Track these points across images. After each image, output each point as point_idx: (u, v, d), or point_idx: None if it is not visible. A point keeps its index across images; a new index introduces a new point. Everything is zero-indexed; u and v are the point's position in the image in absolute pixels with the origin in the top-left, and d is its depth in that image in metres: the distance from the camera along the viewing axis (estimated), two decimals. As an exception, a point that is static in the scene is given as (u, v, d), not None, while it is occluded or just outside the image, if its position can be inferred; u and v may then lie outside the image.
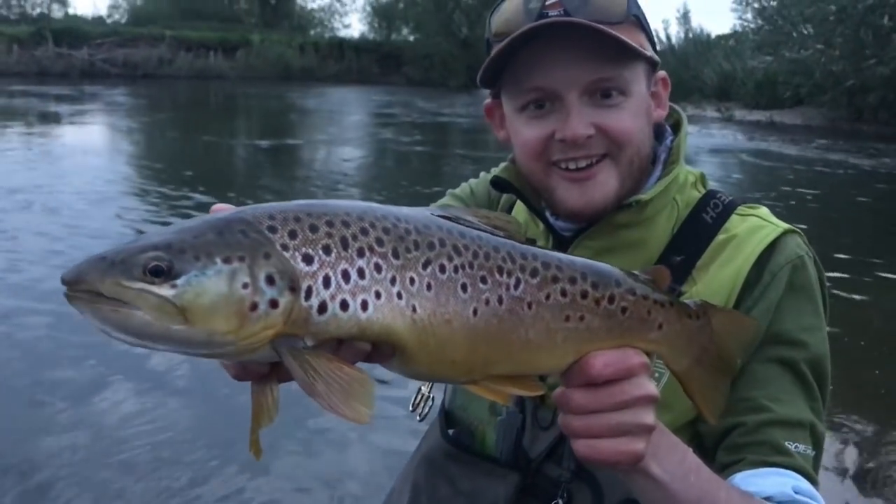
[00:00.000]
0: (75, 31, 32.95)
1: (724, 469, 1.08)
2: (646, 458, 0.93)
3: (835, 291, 6.82)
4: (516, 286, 0.82)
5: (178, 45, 34.20)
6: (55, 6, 55.17)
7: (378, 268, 0.75)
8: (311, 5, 53.80)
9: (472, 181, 1.49)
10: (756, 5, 31.71)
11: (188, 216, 8.54)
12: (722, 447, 1.11)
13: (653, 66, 1.20)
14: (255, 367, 0.79)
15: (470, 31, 43.65)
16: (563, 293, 0.85)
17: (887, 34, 23.15)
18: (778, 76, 27.92)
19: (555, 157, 1.15)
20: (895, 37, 22.63)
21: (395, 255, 0.76)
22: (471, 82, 39.84)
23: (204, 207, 9.07)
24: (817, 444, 1.10)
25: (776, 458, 1.06)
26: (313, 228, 0.73)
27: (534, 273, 0.84)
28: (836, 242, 8.91)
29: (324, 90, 31.11)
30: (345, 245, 0.74)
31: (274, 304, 0.71)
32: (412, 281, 0.76)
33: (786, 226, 1.19)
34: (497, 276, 0.81)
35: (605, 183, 1.15)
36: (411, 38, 44.85)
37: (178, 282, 0.69)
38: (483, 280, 0.80)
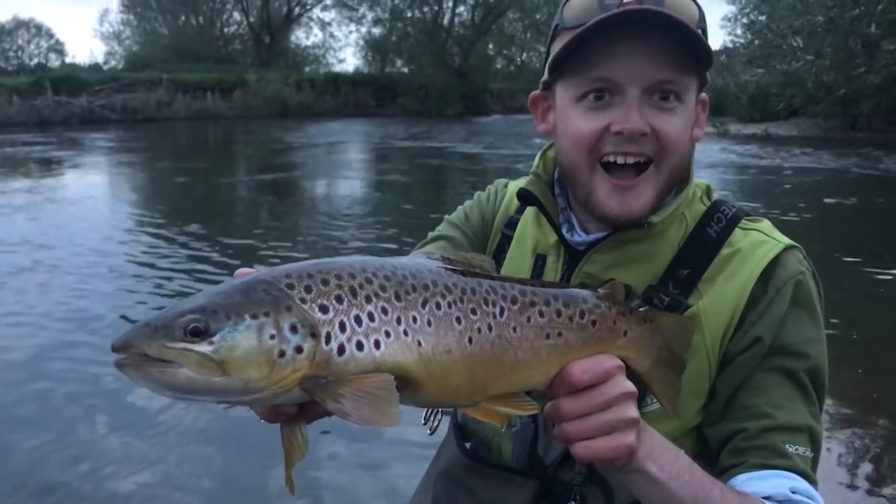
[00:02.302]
0: (73, 80, 33.21)
1: (727, 471, 1.14)
2: (643, 458, 1.01)
3: (839, 295, 6.87)
4: (501, 314, 0.93)
5: (176, 87, 34.46)
6: (52, 55, 55.92)
7: (385, 311, 0.85)
8: (305, 43, 54.29)
9: (467, 203, 1.53)
10: (745, 20, 32.06)
11: (195, 257, 8.64)
12: (725, 451, 1.16)
13: (702, 83, 1.21)
14: (286, 409, 0.87)
15: (463, 61, 44.10)
16: (541, 314, 0.97)
17: (875, 42, 23.32)
18: (771, 89, 28.07)
19: (606, 149, 1.15)
20: (884, 45, 22.79)
21: (398, 298, 0.87)
22: (466, 111, 40.16)
23: (210, 246, 9.18)
24: (815, 447, 1.15)
25: (776, 460, 1.11)
26: (325, 282, 0.84)
27: (514, 300, 0.95)
28: (840, 248, 8.95)
29: (321, 125, 31.28)
30: (354, 294, 0.84)
31: (299, 349, 0.81)
32: (415, 319, 0.87)
33: (787, 241, 1.22)
34: (484, 306, 0.92)
35: (644, 194, 1.17)
36: (406, 69, 45.18)
37: (215, 339, 0.79)
38: (473, 312, 0.91)
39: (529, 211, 1.40)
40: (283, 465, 0.89)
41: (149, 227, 10.70)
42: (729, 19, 33.70)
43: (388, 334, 0.85)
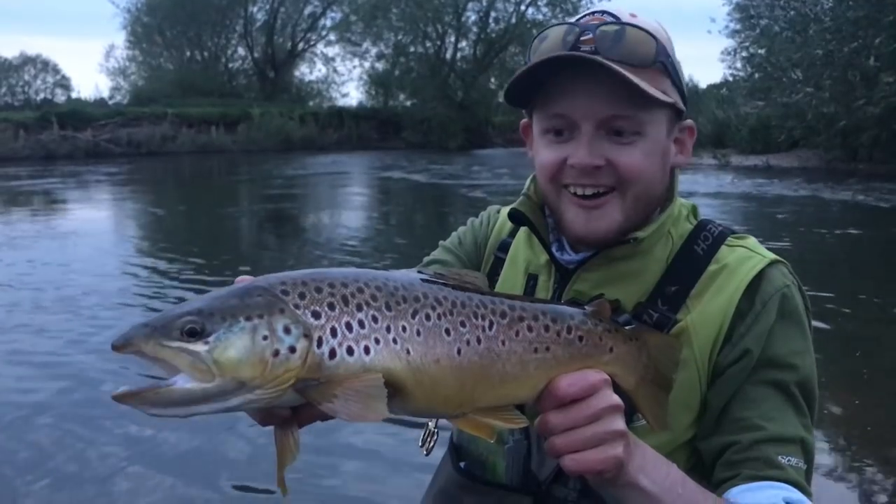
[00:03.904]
0: (79, 114, 33.50)
1: (722, 484, 1.15)
2: (635, 472, 1.02)
3: (839, 326, 6.87)
4: (490, 327, 0.96)
5: (181, 122, 34.73)
6: (58, 91, 56.51)
7: (375, 319, 0.88)
8: (308, 77, 54.82)
9: (461, 229, 1.56)
10: (744, 54, 32.36)
11: (198, 285, 8.66)
12: (719, 464, 1.17)
13: (678, 113, 1.26)
14: (279, 411, 0.89)
15: (465, 95, 44.45)
16: (530, 329, 1.00)
17: (875, 75, 23.51)
18: (771, 120, 28.27)
19: (566, 180, 1.22)
20: (883, 77, 22.97)
21: (388, 308, 0.89)
22: (468, 143, 40.40)
23: (212, 276, 9.20)
24: (809, 458, 1.16)
25: (770, 471, 1.12)
26: (318, 290, 0.87)
27: (503, 315, 0.98)
28: (841, 279, 8.96)
29: (325, 158, 31.48)
30: (345, 302, 0.87)
31: (292, 349, 0.83)
32: (404, 329, 0.89)
33: (772, 256, 1.25)
34: (473, 320, 0.95)
35: (610, 215, 1.21)
36: (408, 103, 45.57)
37: (210, 339, 0.82)
38: (462, 324, 0.94)
39: (522, 232, 1.43)
40: (276, 468, 0.90)
41: (151, 258, 10.77)
42: (729, 53, 34.10)
43: (377, 341, 0.88)
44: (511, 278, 1.40)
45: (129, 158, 30.40)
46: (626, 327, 1.14)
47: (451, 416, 0.96)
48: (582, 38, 1.18)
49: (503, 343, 0.97)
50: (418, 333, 0.90)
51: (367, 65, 48.92)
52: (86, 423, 4.74)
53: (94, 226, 13.89)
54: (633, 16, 1.22)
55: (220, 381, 0.81)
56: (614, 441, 0.99)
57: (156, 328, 0.82)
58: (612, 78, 1.13)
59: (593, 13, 1.23)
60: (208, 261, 10.31)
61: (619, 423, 1.00)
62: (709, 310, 1.20)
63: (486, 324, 0.96)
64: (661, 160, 1.24)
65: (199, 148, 33.77)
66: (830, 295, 7.80)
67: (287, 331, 0.84)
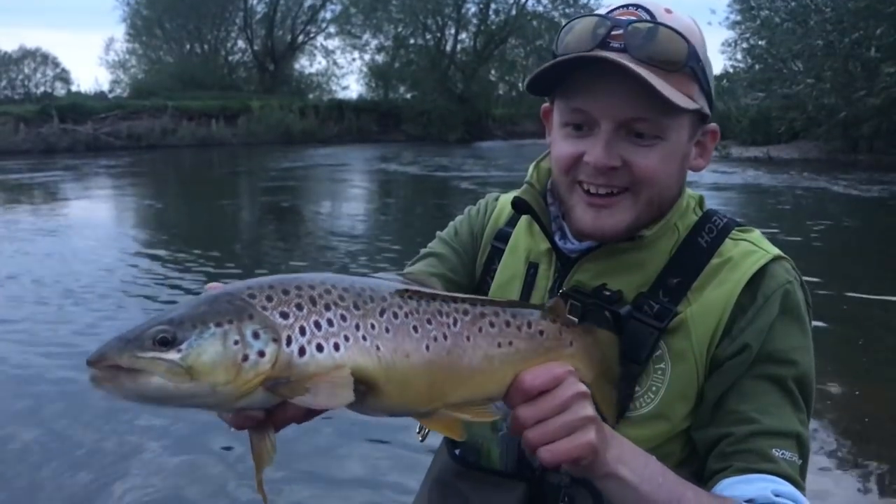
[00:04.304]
0: (79, 108, 33.36)
1: (714, 475, 1.16)
2: (613, 463, 1.04)
3: (839, 318, 6.88)
4: (454, 324, 0.99)
5: (181, 115, 34.63)
6: (58, 84, 56.40)
7: (343, 318, 0.90)
8: (308, 70, 54.67)
9: (458, 219, 1.56)
10: (745, 45, 32.31)
11: (199, 276, 8.67)
12: (712, 455, 1.18)
13: (703, 117, 1.23)
14: (253, 414, 0.90)
15: (465, 87, 44.39)
16: (492, 324, 1.03)
17: (875, 66, 23.47)
18: (772, 112, 28.24)
19: (580, 176, 1.21)
20: (883, 67, 22.92)
21: (356, 307, 0.92)
22: (468, 136, 40.34)
23: (213, 268, 9.22)
24: (803, 453, 1.16)
25: (762, 464, 1.12)
26: (286, 292, 0.89)
27: (465, 312, 1.01)
28: (841, 270, 8.97)
29: (325, 151, 31.47)
30: (313, 302, 0.89)
31: (261, 353, 0.86)
32: (373, 326, 0.92)
33: (775, 251, 1.25)
34: (438, 317, 0.98)
35: (619, 215, 1.21)
36: (408, 95, 45.48)
37: (182, 346, 0.84)
38: (429, 322, 0.97)
39: (523, 221, 1.43)
40: (255, 472, 0.92)
41: (150, 250, 10.78)
42: (729, 44, 34.07)
43: (346, 338, 0.90)
44: (511, 265, 1.40)
45: (129, 151, 30.35)
46: (582, 323, 1.17)
47: (423, 413, 0.98)
48: (612, 34, 1.15)
49: (468, 338, 1.00)
50: (387, 330, 0.93)
51: (366, 57, 48.87)
52: (94, 414, 4.77)
53: (95, 218, 13.91)
54: (669, 12, 1.19)
55: (194, 384, 0.84)
56: (585, 427, 1.01)
57: (128, 341, 0.85)
58: (637, 81, 1.11)
59: (627, 6, 1.19)
60: (209, 252, 10.32)
61: (587, 409, 1.02)
62: (709, 303, 1.20)
63: (451, 321, 0.99)
64: (680, 164, 1.23)
65: (199, 141, 33.69)
66: (830, 286, 7.82)
67: (256, 335, 0.86)
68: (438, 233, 1.55)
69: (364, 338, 0.91)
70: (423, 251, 1.52)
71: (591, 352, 1.16)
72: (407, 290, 0.98)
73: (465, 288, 1.44)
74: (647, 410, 1.20)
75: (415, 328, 0.95)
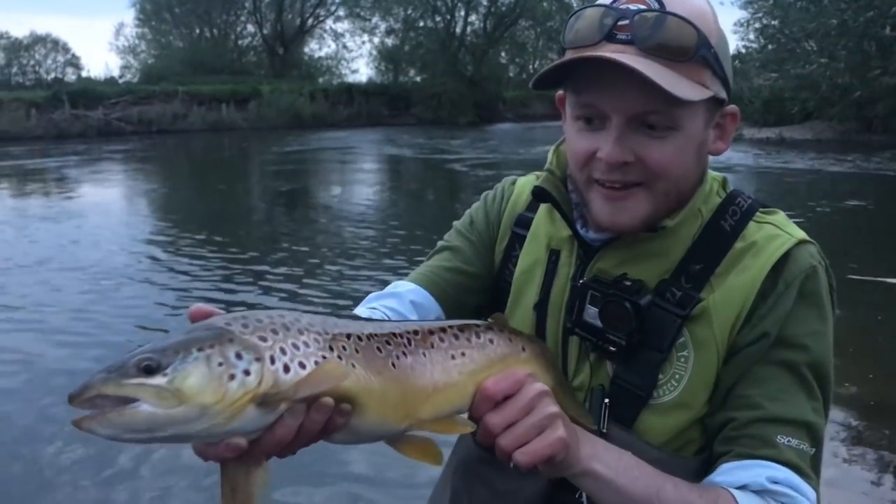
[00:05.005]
0: (90, 93, 33.44)
1: (717, 460, 1.15)
2: (587, 460, 1.06)
3: (852, 299, 6.85)
4: (409, 343, 1.04)
5: (191, 99, 34.66)
6: (69, 70, 56.58)
7: (316, 340, 0.93)
8: (318, 54, 54.60)
9: (474, 206, 1.53)
10: (757, 25, 32.01)
11: (210, 264, 8.71)
12: (717, 440, 1.17)
13: (719, 101, 1.19)
14: (235, 442, 0.88)
15: (476, 70, 44.23)
16: (441, 339, 1.09)
17: (890, 45, 23.25)
18: (784, 92, 28.02)
19: (595, 173, 1.19)
20: (899, 46, 22.70)
21: (326, 332, 0.95)
22: (479, 119, 40.25)
23: (225, 253, 9.25)
24: (815, 443, 1.13)
25: (763, 450, 1.11)
26: (259, 321, 0.91)
27: (415, 332, 1.07)
28: (854, 251, 8.92)
29: (336, 135, 31.47)
30: (287, 328, 0.92)
31: (247, 372, 0.87)
32: (344, 348, 0.95)
33: (801, 235, 1.22)
34: (395, 339, 1.03)
35: (636, 208, 1.18)
36: (418, 78, 45.36)
37: (167, 371, 0.84)
38: (388, 343, 1.01)
39: (543, 206, 1.40)
40: None
41: (162, 235, 10.84)
42: (742, 24, 33.72)
43: (325, 357, 0.92)
44: (533, 253, 1.38)
45: (140, 136, 30.45)
46: (525, 334, 1.22)
47: (399, 433, 1.01)
48: (619, 24, 1.12)
49: (424, 354, 1.05)
50: (357, 351, 0.96)
51: (376, 40, 48.80)
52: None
53: (108, 203, 13.99)
54: None
55: (184, 407, 0.84)
56: (553, 424, 1.03)
57: (112, 370, 0.85)
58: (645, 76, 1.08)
59: None
60: (218, 237, 10.38)
61: (552, 406, 1.04)
62: (732, 289, 1.18)
63: (405, 341, 1.04)
64: (696, 152, 1.19)
65: (210, 126, 33.73)
66: (846, 267, 7.77)
67: (239, 356, 0.87)
68: (455, 223, 1.53)
69: (340, 357, 0.94)
70: (439, 244, 1.51)
71: (544, 357, 1.21)
72: (358, 320, 1.04)
73: (482, 278, 1.44)
74: (669, 398, 1.19)
75: (378, 349, 0.99)
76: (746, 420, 1.13)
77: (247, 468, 0.91)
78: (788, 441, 1.11)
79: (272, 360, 0.88)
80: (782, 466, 1.09)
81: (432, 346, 1.06)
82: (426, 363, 1.04)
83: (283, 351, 0.89)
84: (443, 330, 1.10)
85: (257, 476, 0.91)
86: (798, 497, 1.08)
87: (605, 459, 1.07)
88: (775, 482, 1.08)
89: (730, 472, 1.11)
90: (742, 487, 1.09)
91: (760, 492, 1.09)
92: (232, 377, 0.85)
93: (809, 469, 1.11)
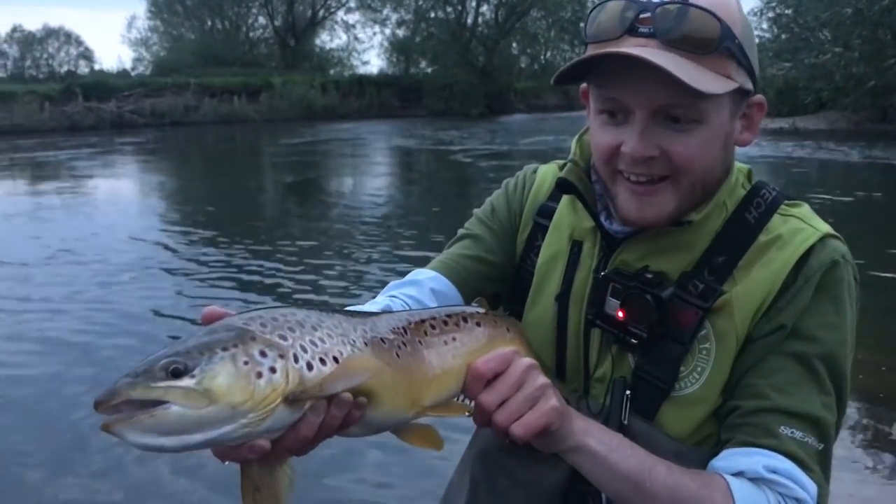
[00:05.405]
0: (103, 86, 33.62)
1: (721, 447, 1.15)
2: (580, 435, 1.08)
3: (866, 286, 6.79)
4: (405, 333, 1.07)
5: (203, 91, 34.75)
6: (82, 62, 56.76)
7: (330, 336, 0.95)
8: (329, 45, 54.57)
9: (495, 194, 1.52)
10: (771, 14, 31.76)
11: (224, 257, 8.74)
12: (723, 426, 1.17)
13: (745, 92, 1.18)
14: (259, 444, 0.88)
15: (487, 60, 44.10)
16: (433, 326, 1.12)
17: (906, 33, 23.03)
18: (798, 82, 27.80)
19: (620, 166, 1.18)
20: (914, 35, 22.47)
21: (336, 328, 0.97)
22: (490, 110, 40.15)
23: (237, 246, 9.28)
24: (824, 437, 1.12)
25: (764, 440, 1.10)
26: (274, 319, 0.92)
27: (408, 321, 1.10)
28: (869, 241, 8.86)
29: (347, 126, 31.49)
30: (301, 325, 0.93)
31: (272, 370, 0.87)
32: (354, 342, 0.97)
33: (826, 229, 1.20)
34: (393, 330, 1.06)
35: (663, 203, 1.17)
36: (429, 70, 45.28)
37: (195, 372, 0.84)
38: (389, 334, 1.04)
39: (566, 196, 1.39)
40: None
41: (176, 226, 10.89)
42: (755, 13, 33.41)
43: (341, 353, 0.94)
44: (555, 243, 1.37)
45: (152, 129, 30.55)
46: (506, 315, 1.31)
47: (406, 422, 1.04)
48: (640, 17, 1.10)
49: (420, 342, 1.08)
50: (365, 344, 0.98)
51: (387, 31, 48.78)
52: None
53: (122, 195, 14.08)
54: None
55: (214, 407, 0.84)
56: (545, 394, 1.05)
57: (139, 374, 0.84)
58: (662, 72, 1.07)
59: None
60: (236, 227, 10.42)
61: (542, 378, 1.06)
62: (755, 283, 1.17)
63: (402, 330, 1.07)
64: (722, 144, 1.18)
65: (222, 118, 33.81)
66: (858, 257, 7.71)
67: (263, 354, 0.87)
68: (475, 210, 1.52)
69: (353, 351, 0.96)
70: (459, 231, 1.50)
71: (525, 336, 1.29)
72: (357, 315, 1.06)
73: (503, 267, 1.43)
74: (691, 391, 1.19)
75: (382, 340, 1.01)
76: (751, 409, 1.13)
77: (271, 468, 0.91)
78: (792, 433, 1.10)
79: (296, 358, 0.89)
80: (784, 457, 1.09)
81: (426, 334, 1.09)
82: (423, 350, 1.07)
83: (303, 349, 0.91)
84: (432, 317, 1.14)
85: (282, 475, 0.92)
86: (796, 489, 1.07)
87: (598, 435, 1.09)
88: (774, 471, 1.07)
89: (728, 458, 1.11)
90: (739, 474, 1.09)
91: (756, 480, 1.08)
92: (259, 375, 0.86)
93: (815, 464, 1.10)
